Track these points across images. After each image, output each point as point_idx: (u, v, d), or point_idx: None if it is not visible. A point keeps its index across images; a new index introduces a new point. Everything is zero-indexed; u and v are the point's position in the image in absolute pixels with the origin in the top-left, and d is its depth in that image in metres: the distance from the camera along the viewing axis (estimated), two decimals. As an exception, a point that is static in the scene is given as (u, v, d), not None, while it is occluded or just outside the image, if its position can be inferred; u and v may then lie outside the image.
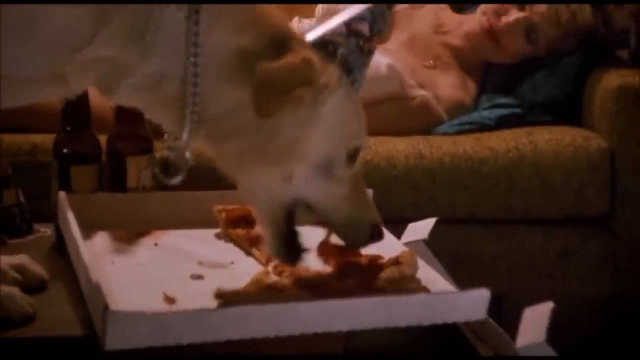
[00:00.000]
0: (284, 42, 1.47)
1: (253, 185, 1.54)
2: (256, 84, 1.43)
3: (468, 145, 2.54)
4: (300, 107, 1.45)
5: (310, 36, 1.55)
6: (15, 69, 1.41)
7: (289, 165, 1.49)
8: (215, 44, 1.45)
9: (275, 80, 1.43)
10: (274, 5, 1.55)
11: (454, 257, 2.17)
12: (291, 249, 1.56)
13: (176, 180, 1.59)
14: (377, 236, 1.57)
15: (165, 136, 1.53)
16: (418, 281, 1.57)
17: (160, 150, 1.93)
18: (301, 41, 1.51)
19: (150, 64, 1.45)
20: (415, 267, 1.60)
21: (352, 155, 1.53)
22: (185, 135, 1.48)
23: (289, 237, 1.55)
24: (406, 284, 1.55)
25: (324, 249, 1.62)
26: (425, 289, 1.55)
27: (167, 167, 1.55)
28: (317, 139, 1.49)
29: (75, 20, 1.39)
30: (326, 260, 1.63)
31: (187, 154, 1.51)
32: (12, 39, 1.37)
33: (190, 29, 1.44)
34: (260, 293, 1.55)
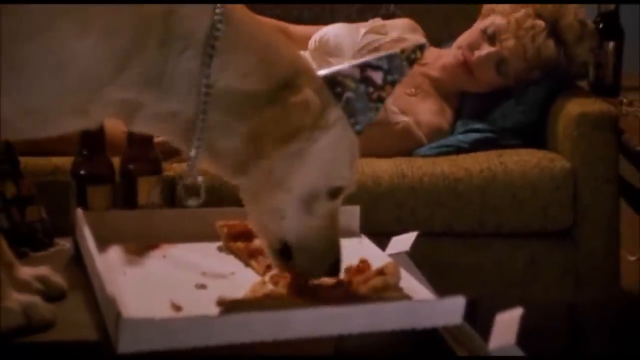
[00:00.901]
0: (288, 82, 1.45)
1: (256, 219, 1.55)
2: (253, 130, 1.43)
3: (445, 166, 2.54)
4: (292, 146, 1.44)
5: (324, 72, 1.52)
6: (45, 105, 1.41)
7: (279, 197, 1.48)
8: (223, 86, 1.45)
9: (270, 126, 1.42)
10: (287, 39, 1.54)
11: (433, 267, 2.16)
12: (287, 261, 1.55)
13: (196, 202, 1.60)
14: (334, 272, 1.55)
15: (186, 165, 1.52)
16: (400, 290, 1.56)
17: (168, 170, 1.94)
18: (310, 77, 1.49)
19: (166, 101, 1.45)
20: (398, 277, 1.59)
21: (334, 194, 1.50)
22: (192, 160, 1.48)
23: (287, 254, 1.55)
24: (390, 293, 1.54)
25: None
26: (407, 297, 1.54)
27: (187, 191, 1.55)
28: (304, 173, 1.47)
29: (99, 65, 1.39)
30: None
31: (199, 178, 1.52)
32: (42, 80, 1.37)
33: (203, 73, 1.43)
34: (258, 301, 1.54)
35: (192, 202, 1.64)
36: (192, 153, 1.47)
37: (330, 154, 1.48)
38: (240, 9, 1.50)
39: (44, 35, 1.35)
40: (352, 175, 1.52)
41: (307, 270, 1.54)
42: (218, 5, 1.45)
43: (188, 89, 1.44)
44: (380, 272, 1.59)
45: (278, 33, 1.59)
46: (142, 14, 1.41)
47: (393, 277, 1.58)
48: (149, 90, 1.43)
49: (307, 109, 1.43)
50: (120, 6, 1.39)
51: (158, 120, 1.48)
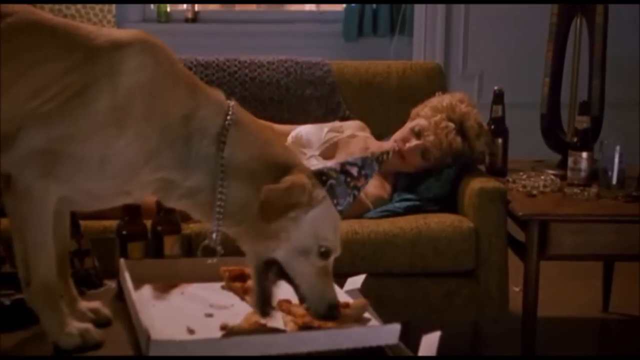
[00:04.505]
0: (285, 168, 1.43)
1: (250, 249, 1.48)
2: (261, 202, 1.38)
3: (386, 225, 2.52)
4: (290, 214, 1.40)
5: (314, 167, 1.51)
6: (95, 187, 1.40)
7: (277, 243, 1.43)
8: (234, 163, 1.42)
9: (275, 199, 1.38)
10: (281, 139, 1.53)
11: (377, 298, 2.10)
12: (265, 307, 1.48)
13: (212, 260, 1.64)
14: (332, 315, 1.46)
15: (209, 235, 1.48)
16: (360, 320, 1.54)
17: (186, 229, 1.92)
18: (302, 168, 1.46)
19: (190, 180, 1.43)
20: (363, 310, 1.56)
21: (324, 253, 1.45)
22: (214, 235, 1.45)
23: (266, 298, 1.48)
24: (348, 322, 1.51)
25: (283, 305, 1.58)
26: (361, 323, 1.52)
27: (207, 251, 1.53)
28: (299, 231, 1.42)
29: (132, 158, 1.38)
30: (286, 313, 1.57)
31: (219, 248, 1.48)
32: (91, 169, 1.36)
33: (219, 157, 1.41)
34: (250, 327, 1.52)
35: (209, 261, 1.64)
36: (215, 227, 1.44)
37: (318, 222, 1.43)
38: (246, 115, 1.49)
39: (92, 137, 1.34)
40: (336, 240, 1.47)
41: (309, 308, 1.46)
42: (230, 110, 1.44)
43: (208, 170, 1.42)
44: (346, 306, 1.55)
45: (276, 135, 1.58)
46: (167, 120, 1.40)
47: (353, 310, 1.55)
48: (178, 170, 1.42)
49: (304, 189, 1.40)
50: (150, 115, 1.38)
51: (186, 198, 1.46)
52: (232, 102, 1.47)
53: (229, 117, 1.43)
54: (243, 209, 1.44)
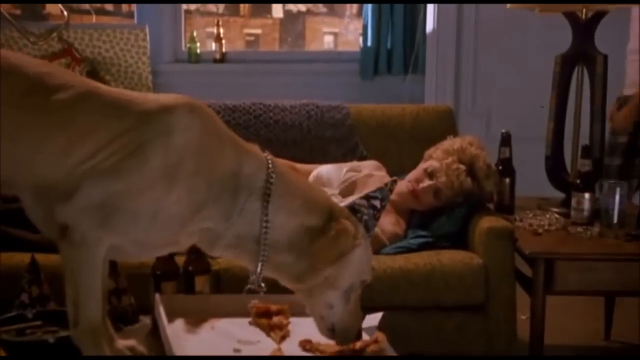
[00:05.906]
0: (329, 215, 1.46)
1: (312, 310, 1.52)
2: (313, 253, 1.43)
3: (401, 261, 2.52)
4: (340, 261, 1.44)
5: (345, 204, 1.57)
6: (146, 239, 1.43)
7: (330, 294, 1.46)
8: (278, 223, 1.45)
9: (325, 250, 1.42)
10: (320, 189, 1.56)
11: (393, 331, 2.12)
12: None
13: (255, 301, 1.69)
14: (359, 336, 1.53)
15: (250, 276, 1.51)
16: (388, 351, 1.56)
17: (214, 265, 1.93)
18: (340, 210, 1.50)
19: (234, 231, 1.46)
20: (385, 343, 1.60)
21: (362, 284, 1.50)
22: (257, 277, 1.48)
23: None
24: (385, 354, 1.54)
25: (307, 345, 1.60)
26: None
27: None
28: (347, 275, 1.46)
29: (182, 212, 1.41)
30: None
31: (263, 285, 1.51)
32: (144, 222, 1.39)
33: (264, 213, 1.44)
34: (276, 363, 1.53)
35: (254, 301, 1.66)
36: (258, 270, 1.47)
37: (361, 259, 1.48)
38: (283, 165, 1.52)
39: (147, 192, 1.38)
40: (371, 270, 1.53)
41: (345, 339, 1.52)
42: (270, 164, 1.47)
43: (252, 223, 1.45)
44: (375, 341, 1.58)
45: (310, 181, 1.62)
46: (215, 175, 1.43)
47: (384, 344, 1.58)
48: (221, 222, 1.45)
49: (348, 234, 1.44)
50: (199, 170, 1.41)
51: (230, 247, 1.48)
52: (268, 156, 1.51)
53: (270, 171, 1.46)
54: (290, 264, 1.46)
